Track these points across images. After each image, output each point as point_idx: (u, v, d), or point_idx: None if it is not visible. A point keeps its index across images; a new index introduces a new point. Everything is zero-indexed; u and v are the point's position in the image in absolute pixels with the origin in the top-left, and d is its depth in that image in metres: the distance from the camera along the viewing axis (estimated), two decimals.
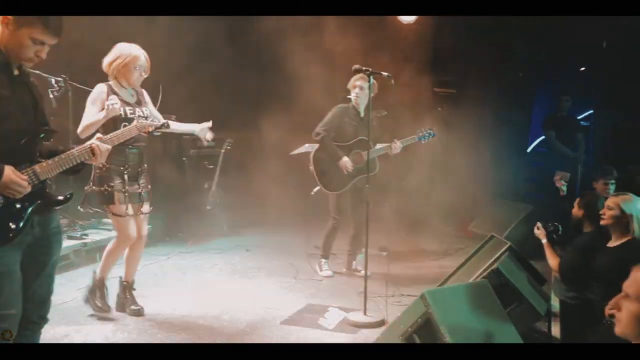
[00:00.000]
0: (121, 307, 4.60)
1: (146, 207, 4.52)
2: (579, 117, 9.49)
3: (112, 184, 4.25)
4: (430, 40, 7.83)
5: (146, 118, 4.07)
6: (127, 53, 4.28)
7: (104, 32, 5.67)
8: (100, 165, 4.07)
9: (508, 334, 3.63)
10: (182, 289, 5.32)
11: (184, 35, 7.06)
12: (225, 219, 7.89)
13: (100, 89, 4.29)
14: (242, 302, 5.02)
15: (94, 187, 4.30)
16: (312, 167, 5.82)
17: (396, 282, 5.50)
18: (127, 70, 4.29)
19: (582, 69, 9.69)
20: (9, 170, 2.46)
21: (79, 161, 2.78)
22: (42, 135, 2.73)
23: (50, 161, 2.67)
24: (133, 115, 4.20)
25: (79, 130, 4.18)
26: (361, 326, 4.46)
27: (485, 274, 4.15)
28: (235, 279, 5.76)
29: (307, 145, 6.64)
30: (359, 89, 5.71)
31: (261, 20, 7.26)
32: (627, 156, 7.33)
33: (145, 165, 4.53)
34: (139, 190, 4.42)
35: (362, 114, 5.82)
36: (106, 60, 4.32)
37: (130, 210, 4.34)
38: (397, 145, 5.70)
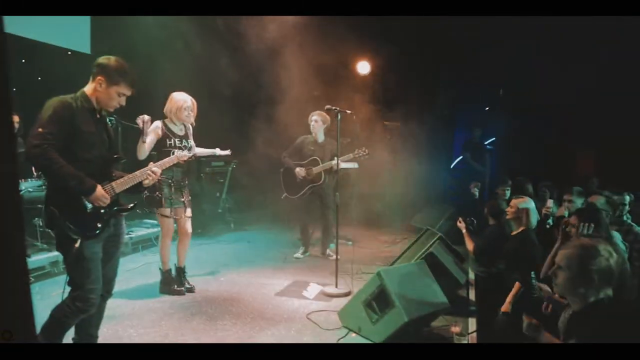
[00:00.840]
0: (167, 287, 4.50)
1: (189, 212, 4.47)
2: (486, 143, 9.66)
3: (161, 192, 4.26)
4: (381, 86, 7.90)
5: (190, 149, 4.23)
6: (177, 99, 4.35)
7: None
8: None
9: (439, 299, 3.70)
10: (203, 271, 5.28)
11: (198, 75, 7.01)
12: (232, 219, 7.87)
13: (155, 124, 4.28)
14: (245, 280, 5.01)
15: (147, 193, 4.26)
16: (281, 179, 6.08)
17: (359, 263, 5.52)
18: (179, 111, 4.33)
19: (487, 108, 9.92)
20: (98, 187, 2.67)
21: (141, 180, 2.93)
22: (115, 161, 2.90)
23: (122, 179, 2.84)
24: (180, 145, 4.29)
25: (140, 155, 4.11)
26: (334, 296, 4.48)
27: (422, 256, 4.22)
28: (240, 263, 5.72)
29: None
30: (314, 122, 5.87)
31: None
32: (518, 170, 7.47)
33: (187, 180, 4.49)
34: (182, 199, 4.40)
35: (319, 140, 5.91)
36: (166, 107, 4.39)
37: (172, 213, 4.34)
38: (335, 162, 5.51)
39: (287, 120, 7.29)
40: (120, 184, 2.82)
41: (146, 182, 2.96)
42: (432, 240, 4.52)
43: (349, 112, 4.92)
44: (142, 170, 2.96)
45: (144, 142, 3.99)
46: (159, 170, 3.03)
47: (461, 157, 9.81)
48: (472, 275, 4.81)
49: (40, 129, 2.50)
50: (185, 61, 7.25)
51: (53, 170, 2.54)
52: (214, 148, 4.93)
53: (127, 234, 6.02)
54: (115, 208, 2.82)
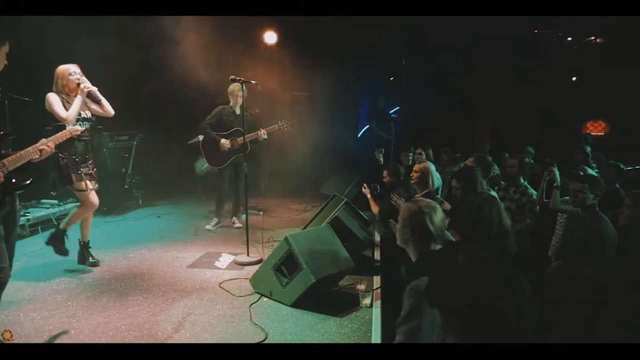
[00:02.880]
0: (82, 261, 4.47)
1: (95, 184, 4.35)
2: (390, 112, 10.10)
3: (69, 169, 4.12)
4: (287, 56, 7.93)
5: (88, 120, 4.17)
6: (60, 70, 4.13)
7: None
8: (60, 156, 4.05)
9: (345, 259, 3.93)
10: (111, 249, 5.13)
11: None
12: (140, 194, 7.63)
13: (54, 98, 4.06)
14: (155, 255, 4.95)
15: (56, 173, 4.19)
16: (201, 150, 6.00)
17: (270, 232, 5.66)
18: (67, 81, 4.10)
19: (392, 78, 10.31)
20: None
21: (33, 157, 2.87)
22: (2, 138, 2.77)
23: (13, 157, 2.75)
24: (79, 118, 4.11)
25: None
26: (246, 264, 4.57)
27: (330, 220, 4.42)
28: (150, 239, 5.60)
29: (200, 136, 6.59)
30: (231, 95, 5.89)
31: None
32: (420, 137, 7.94)
33: (91, 154, 4.36)
34: (90, 172, 4.27)
35: (237, 112, 5.92)
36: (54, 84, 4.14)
37: (91, 185, 4.24)
38: (262, 133, 5.81)
39: (194, 93, 7.15)
40: (13, 161, 2.74)
41: (35, 157, 2.90)
42: (339, 206, 4.73)
43: (253, 82, 4.94)
44: (33, 146, 2.90)
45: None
46: (52, 145, 2.98)
47: (367, 125, 10.19)
48: (377, 237, 5.11)
49: None
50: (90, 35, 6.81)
51: None
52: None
53: (24, 215, 5.67)
54: (10, 186, 2.73)
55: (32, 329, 3.24)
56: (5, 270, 2.72)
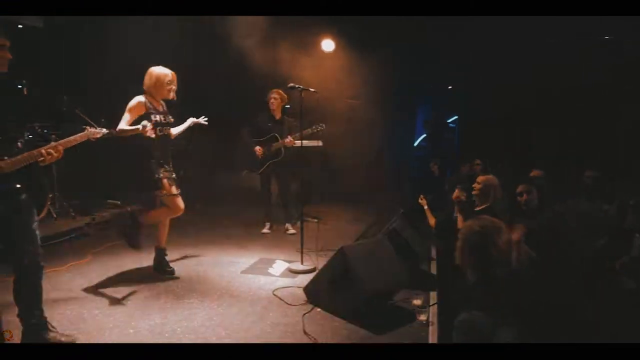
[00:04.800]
0: (162, 267, 4.45)
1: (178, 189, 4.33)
2: (448, 121, 9.86)
3: (159, 173, 4.11)
4: (344, 63, 7.89)
5: (167, 124, 4.19)
6: (158, 73, 4.13)
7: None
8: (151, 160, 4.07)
9: (400, 273, 3.82)
10: (170, 251, 5.23)
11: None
12: (197, 198, 7.79)
13: (138, 100, 4.06)
14: (211, 259, 5.03)
15: (146, 177, 4.14)
16: (242, 156, 6.19)
17: (324, 240, 5.60)
18: (161, 87, 4.11)
19: (450, 87, 10.06)
20: None
21: (37, 159, 2.78)
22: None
23: (13, 159, 2.70)
24: (164, 122, 4.15)
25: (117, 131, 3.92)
26: (299, 272, 4.54)
27: (386, 232, 4.33)
28: (207, 242, 5.71)
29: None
30: (273, 99, 5.96)
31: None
32: (481, 148, 7.69)
33: (172, 158, 4.32)
34: (174, 177, 4.26)
35: (277, 117, 6.01)
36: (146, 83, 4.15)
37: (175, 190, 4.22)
38: (290, 140, 5.81)
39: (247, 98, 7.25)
40: (10, 164, 2.69)
41: (41, 159, 2.81)
42: (395, 217, 4.64)
43: (312, 90, 4.91)
44: (40, 149, 2.81)
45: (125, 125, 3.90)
46: (60, 148, 2.87)
47: (424, 135, 10.00)
48: (434, 251, 4.96)
49: None
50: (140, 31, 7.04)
51: None
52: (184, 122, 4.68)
53: (89, 214, 5.93)
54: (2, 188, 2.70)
55: (94, 326, 3.35)
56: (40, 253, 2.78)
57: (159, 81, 4.10)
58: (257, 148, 5.92)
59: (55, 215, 5.63)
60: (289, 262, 4.83)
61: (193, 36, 7.44)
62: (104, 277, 4.36)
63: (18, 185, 2.76)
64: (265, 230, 6.13)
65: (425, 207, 5.24)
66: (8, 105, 2.85)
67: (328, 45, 8.06)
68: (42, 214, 5.27)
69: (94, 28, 6.83)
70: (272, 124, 5.99)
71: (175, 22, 6.64)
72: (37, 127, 5.63)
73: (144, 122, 3.82)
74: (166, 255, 4.52)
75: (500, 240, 2.18)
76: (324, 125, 6.00)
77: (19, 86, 5.58)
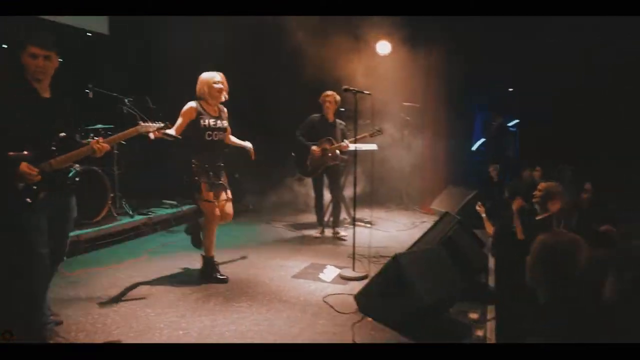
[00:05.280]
0: (210, 275, 4.37)
1: (229, 193, 4.34)
2: (509, 125, 9.43)
3: (200, 177, 4.12)
4: (402, 67, 7.72)
5: (224, 130, 4.22)
6: (206, 77, 4.18)
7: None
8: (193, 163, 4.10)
9: (456, 284, 3.63)
10: (221, 252, 5.26)
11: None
12: (252, 200, 7.86)
13: (189, 105, 4.12)
14: (262, 261, 5.00)
15: (187, 180, 4.16)
16: (294, 160, 6.03)
17: (376, 247, 5.45)
18: (210, 89, 4.15)
19: (511, 89, 9.62)
20: (21, 166, 2.66)
21: (87, 155, 2.92)
22: (57, 137, 2.85)
23: (63, 157, 2.84)
24: (215, 126, 4.15)
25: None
26: (350, 279, 4.42)
27: (441, 240, 4.14)
28: (258, 245, 5.72)
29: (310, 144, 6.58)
30: (328, 102, 5.83)
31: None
32: (543, 154, 7.28)
33: (222, 162, 4.31)
34: (221, 181, 4.26)
35: (330, 120, 5.88)
36: (197, 88, 4.21)
37: (224, 197, 4.25)
38: (347, 143, 5.66)
39: (301, 99, 7.23)
40: (60, 161, 2.82)
41: (93, 154, 2.93)
42: (451, 225, 4.43)
43: (367, 92, 4.80)
44: (87, 146, 2.92)
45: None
46: (106, 145, 2.96)
47: (483, 139, 9.61)
48: (491, 260, 4.71)
49: None
50: (205, 37, 7.21)
51: None
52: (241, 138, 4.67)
53: (147, 214, 6.08)
54: (51, 185, 2.82)
55: (145, 325, 3.38)
56: (43, 256, 2.81)
57: (207, 85, 4.14)
58: (315, 149, 5.77)
59: (115, 214, 5.81)
60: (341, 267, 4.72)
61: (246, 39, 7.53)
62: (157, 276, 4.43)
63: (65, 181, 2.93)
64: (316, 234, 6.06)
65: (483, 214, 5.00)
66: (67, 110, 2.99)
67: (384, 47, 7.89)
68: (103, 213, 5.50)
69: (157, 35, 7.05)
70: (325, 126, 5.88)
71: (230, 25, 6.73)
72: (100, 130, 5.83)
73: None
74: (216, 263, 4.43)
75: (580, 257, 1.96)
76: (382, 129, 5.88)
77: (86, 90, 5.83)
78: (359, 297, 3.76)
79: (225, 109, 4.35)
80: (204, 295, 3.99)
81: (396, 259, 3.41)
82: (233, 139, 4.49)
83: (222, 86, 4.18)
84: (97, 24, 7.04)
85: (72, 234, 4.88)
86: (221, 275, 4.35)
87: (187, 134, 4.09)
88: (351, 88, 4.67)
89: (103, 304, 3.72)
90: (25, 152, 2.74)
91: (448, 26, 7.25)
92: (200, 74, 4.23)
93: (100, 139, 2.97)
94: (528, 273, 2.10)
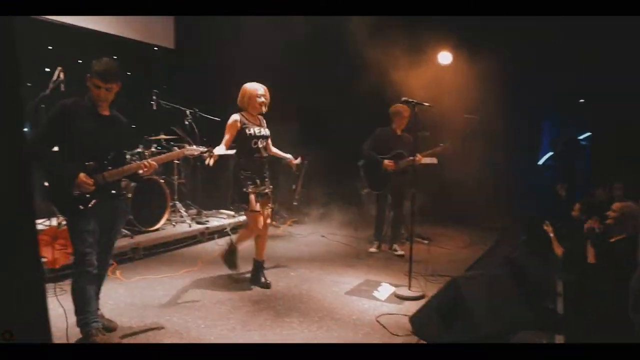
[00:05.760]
0: (259, 280, 4.51)
1: (270, 203, 4.43)
2: (580, 138, 8.87)
3: (248, 188, 4.16)
4: (463, 77, 7.44)
5: (265, 137, 4.28)
6: (249, 89, 4.24)
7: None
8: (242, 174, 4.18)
9: (520, 311, 3.36)
10: (275, 264, 5.24)
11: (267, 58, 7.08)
12: (307, 212, 7.81)
13: (233, 118, 4.19)
14: (316, 276, 4.90)
15: (235, 189, 4.25)
16: (362, 174, 5.79)
17: (434, 264, 5.23)
18: (252, 100, 4.21)
19: (581, 100, 9.04)
20: (80, 176, 2.94)
21: (136, 171, 3.19)
22: (111, 155, 3.13)
23: (115, 170, 3.11)
24: (259, 134, 4.22)
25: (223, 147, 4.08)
26: (406, 299, 4.23)
27: (504, 261, 3.88)
28: (312, 259, 5.61)
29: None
30: (399, 116, 5.62)
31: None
32: (617, 170, 6.74)
33: (268, 172, 4.36)
34: (266, 191, 4.30)
35: (398, 133, 5.68)
36: (239, 99, 4.29)
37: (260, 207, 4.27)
38: (420, 159, 5.46)
39: (363, 112, 7.14)
40: (112, 174, 3.09)
41: (140, 171, 3.20)
42: (515, 245, 4.15)
43: (427, 104, 4.62)
44: (137, 163, 3.21)
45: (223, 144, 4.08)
46: (154, 164, 3.23)
47: (550, 153, 9.09)
48: (560, 285, 4.36)
49: (39, 128, 3.01)
50: (267, 51, 7.29)
51: (42, 163, 2.99)
52: (287, 149, 4.73)
53: (203, 223, 6.16)
54: (103, 194, 3.07)
55: (196, 336, 3.37)
56: (89, 254, 3.01)
57: (250, 97, 4.20)
58: (388, 163, 5.53)
59: (174, 223, 5.91)
60: (396, 286, 4.54)
61: (307, 50, 7.55)
62: (211, 286, 4.44)
63: (113, 192, 3.18)
64: (373, 250, 5.88)
65: (551, 234, 4.65)
66: (122, 128, 3.25)
67: (445, 57, 7.65)
68: (162, 221, 5.62)
69: (221, 48, 7.20)
70: (394, 139, 5.65)
71: (290, 36, 6.77)
72: (162, 141, 5.99)
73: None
74: (264, 268, 4.54)
75: None
76: (449, 143, 5.73)
77: (151, 102, 6.02)
78: (414, 320, 3.57)
79: (264, 119, 4.40)
80: (256, 308, 3.94)
81: (454, 283, 3.20)
82: (274, 149, 4.51)
83: (264, 100, 4.23)
84: (164, 39, 7.29)
85: (131, 241, 5.11)
86: (266, 280, 4.47)
87: (235, 145, 4.21)
88: (410, 99, 4.52)
89: (156, 313, 3.76)
90: (88, 163, 3.02)
91: (514, 34, 6.92)
92: (246, 85, 4.29)
93: (149, 161, 3.23)
94: (630, 307, 1.87)
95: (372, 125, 5.98)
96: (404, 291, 4.34)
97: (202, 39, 7.31)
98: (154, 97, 6.07)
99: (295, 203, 7.69)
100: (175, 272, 4.81)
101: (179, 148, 4.93)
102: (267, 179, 4.33)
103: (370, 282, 4.69)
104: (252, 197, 4.15)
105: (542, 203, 6.85)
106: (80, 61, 5.54)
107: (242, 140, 4.18)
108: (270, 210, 4.41)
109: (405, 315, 3.79)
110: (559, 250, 4.52)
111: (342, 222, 7.68)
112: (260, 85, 4.26)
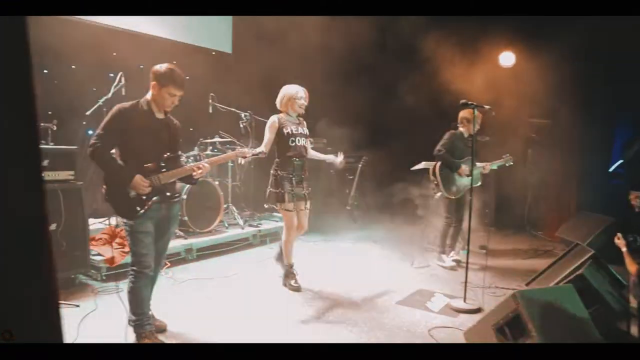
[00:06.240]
0: (289, 281, 4.51)
1: (308, 204, 4.39)
2: None
3: (283, 188, 4.20)
4: (528, 80, 7.05)
5: (305, 136, 4.31)
6: (289, 91, 4.30)
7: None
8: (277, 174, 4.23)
9: (588, 333, 3.07)
10: (326, 270, 5.16)
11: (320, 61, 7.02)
12: (360, 216, 7.67)
13: (271, 120, 4.28)
14: (367, 284, 4.74)
15: (271, 189, 4.28)
16: (437, 178, 5.35)
17: (492, 276, 4.97)
18: (291, 102, 4.27)
19: None
20: (136, 178, 2.99)
21: (189, 173, 3.21)
22: (167, 157, 3.14)
23: (170, 172, 3.13)
24: (297, 133, 4.24)
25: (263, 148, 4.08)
26: (461, 311, 4.01)
27: (570, 277, 3.58)
28: (363, 266, 5.46)
29: (423, 163, 6.29)
30: (466, 120, 5.31)
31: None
32: None
33: (307, 174, 4.37)
34: (303, 192, 4.31)
35: (466, 137, 5.39)
36: (278, 100, 4.35)
37: (302, 206, 4.32)
38: (488, 167, 5.33)
39: (419, 117, 6.94)
40: (167, 176, 3.11)
41: (195, 173, 3.22)
42: (583, 259, 3.83)
43: (487, 107, 4.38)
44: (191, 165, 3.24)
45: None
46: (207, 166, 3.24)
47: (622, 160, 8.44)
48: (633, 305, 3.97)
49: (98, 131, 2.99)
50: (324, 54, 7.25)
51: (101, 165, 3.00)
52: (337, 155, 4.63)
53: (256, 226, 6.16)
54: (159, 196, 3.09)
55: (242, 340, 3.31)
56: (146, 256, 3.06)
57: (290, 98, 4.25)
58: (464, 167, 5.23)
59: (227, 225, 5.95)
60: (451, 297, 4.32)
61: (370, 52, 7.46)
62: (261, 290, 4.41)
63: (168, 194, 3.18)
64: (441, 263, 5.49)
65: (624, 249, 4.25)
66: (175, 131, 3.26)
67: (507, 58, 7.29)
68: (215, 223, 5.66)
69: (275, 52, 7.22)
70: (465, 145, 5.34)
71: (349, 39, 6.70)
72: (217, 143, 6.05)
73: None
74: (293, 273, 4.50)
75: None
76: (512, 158, 5.55)
77: (210, 105, 6.12)
78: (470, 335, 3.35)
79: (304, 121, 4.43)
80: (304, 315, 3.86)
81: (515, 298, 2.97)
82: (314, 152, 4.54)
83: (304, 102, 4.29)
84: (222, 43, 7.40)
85: (185, 242, 5.18)
86: (295, 283, 4.45)
87: (275, 145, 4.26)
88: (469, 102, 4.30)
89: (206, 314, 3.75)
90: (146, 165, 3.05)
91: (583, 33, 6.47)
92: (287, 87, 4.34)
93: (203, 162, 3.24)
94: None
95: (427, 129, 5.77)
96: (459, 303, 4.12)
97: (258, 42, 7.35)
98: (210, 101, 6.16)
99: (348, 207, 7.57)
100: (226, 274, 4.82)
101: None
102: (304, 180, 4.32)
103: (424, 292, 4.50)
104: (287, 196, 4.19)
105: (614, 213, 6.35)
106: (142, 66, 5.70)
107: (280, 139, 4.23)
108: (307, 210, 4.38)
109: (460, 329, 3.59)
110: (632, 266, 4.12)
111: (395, 228, 7.49)
112: (301, 87, 4.30)
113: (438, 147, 5.30)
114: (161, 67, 3.05)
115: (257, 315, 3.82)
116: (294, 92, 4.26)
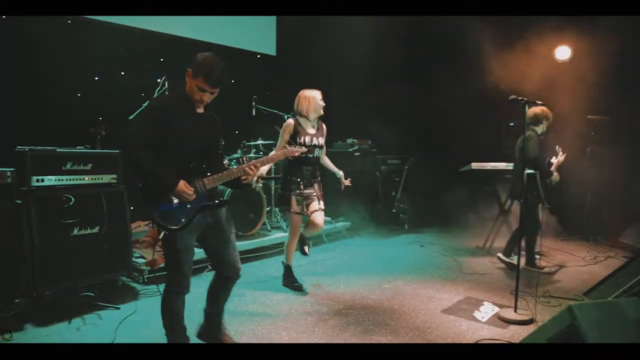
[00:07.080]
0: (289, 282, 4.52)
1: (322, 204, 4.30)
2: None
3: (290, 191, 4.24)
4: (585, 75, 6.57)
5: (320, 147, 4.29)
6: (308, 95, 4.26)
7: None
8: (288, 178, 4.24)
9: None
10: (369, 274, 4.97)
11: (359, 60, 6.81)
12: (406, 219, 7.41)
13: (288, 122, 4.26)
14: (411, 290, 4.51)
15: (280, 192, 4.39)
16: (539, 187, 4.94)
17: (546, 284, 4.61)
18: (310, 106, 4.23)
19: None
20: (180, 184, 2.59)
21: (237, 176, 2.80)
22: (212, 157, 2.81)
23: (215, 176, 2.74)
24: (310, 144, 4.20)
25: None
26: (511, 322, 3.69)
27: (635, 289, 3.21)
28: (408, 270, 5.21)
29: (473, 164, 6.00)
30: (544, 119, 4.99)
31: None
32: None
33: (319, 176, 4.37)
34: (314, 193, 4.28)
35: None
36: (297, 105, 4.30)
37: (304, 210, 4.28)
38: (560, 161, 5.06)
39: (467, 117, 6.62)
40: (212, 181, 2.74)
41: (242, 177, 2.81)
42: None
43: (539, 102, 4.08)
44: (240, 166, 2.83)
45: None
46: (258, 167, 2.85)
47: None
48: None
49: (132, 130, 2.61)
50: (365, 58, 7.10)
51: (139, 169, 2.56)
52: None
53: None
54: (205, 203, 2.73)
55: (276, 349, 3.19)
56: (185, 276, 2.74)
57: (311, 101, 4.21)
58: (557, 175, 5.01)
59: (269, 228, 5.88)
60: (500, 306, 4.01)
61: (418, 48, 7.23)
62: (300, 295, 4.29)
63: (216, 201, 2.83)
64: (538, 271, 5.01)
65: None
66: (217, 126, 2.89)
67: (563, 52, 6.83)
68: (258, 226, 5.60)
69: (318, 54, 7.11)
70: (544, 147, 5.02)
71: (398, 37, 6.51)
72: (261, 146, 6.00)
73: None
74: (293, 273, 4.49)
75: None
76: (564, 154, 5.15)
77: (257, 108, 6.08)
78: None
79: (324, 125, 4.38)
80: (343, 322, 3.68)
81: (571, 311, 2.66)
82: (327, 160, 4.55)
83: (323, 103, 4.27)
84: (265, 46, 7.37)
85: None
86: (297, 283, 4.45)
87: None
88: (520, 98, 3.99)
89: (242, 321, 3.65)
90: (192, 165, 2.70)
91: None
92: (304, 91, 4.29)
93: (254, 162, 2.85)
94: None
95: (474, 129, 5.47)
96: (509, 313, 3.80)
97: (302, 45, 7.27)
98: (253, 103, 6.11)
99: (394, 210, 7.33)
100: (266, 279, 4.73)
101: None
102: (315, 184, 4.31)
103: (471, 301, 4.21)
104: (294, 199, 4.22)
105: None
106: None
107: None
108: (322, 210, 4.29)
109: (510, 341, 3.30)
110: None
111: (444, 232, 7.18)
112: (317, 91, 4.28)
113: (535, 153, 4.76)
114: (202, 55, 2.66)
115: (294, 322, 3.68)
116: (315, 95, 4.25)
